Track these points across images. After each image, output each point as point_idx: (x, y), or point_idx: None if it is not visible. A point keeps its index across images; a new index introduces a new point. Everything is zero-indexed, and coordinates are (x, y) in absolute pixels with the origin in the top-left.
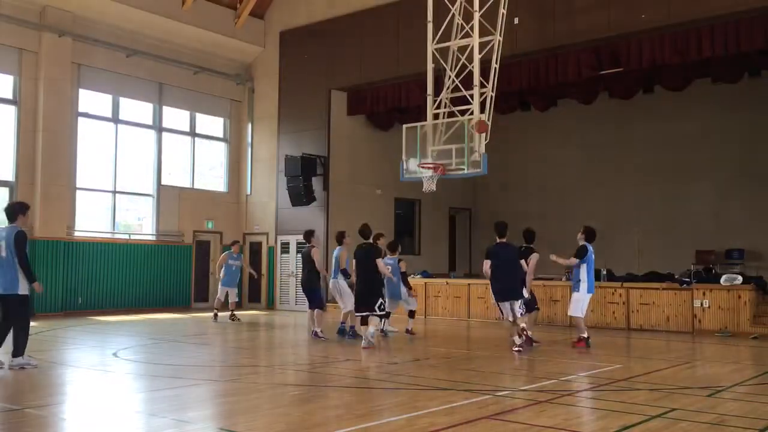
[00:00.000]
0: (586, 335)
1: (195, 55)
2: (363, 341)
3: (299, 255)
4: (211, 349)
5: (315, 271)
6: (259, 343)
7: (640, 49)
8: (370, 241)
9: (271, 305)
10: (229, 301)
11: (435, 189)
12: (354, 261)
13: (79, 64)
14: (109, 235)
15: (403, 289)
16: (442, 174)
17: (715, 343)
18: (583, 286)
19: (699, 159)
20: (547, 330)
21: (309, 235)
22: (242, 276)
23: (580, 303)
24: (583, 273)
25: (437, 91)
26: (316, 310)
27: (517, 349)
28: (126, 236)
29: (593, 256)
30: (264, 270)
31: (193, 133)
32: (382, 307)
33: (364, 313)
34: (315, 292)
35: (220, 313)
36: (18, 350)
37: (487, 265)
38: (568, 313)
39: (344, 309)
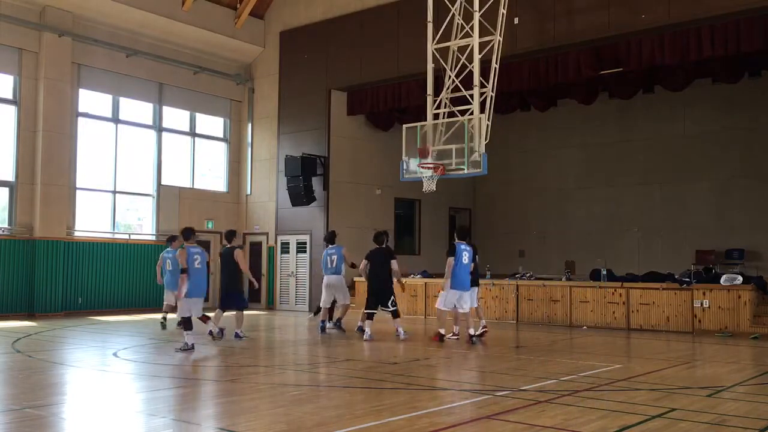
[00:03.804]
0: (443, 331)
1: (195, 55)
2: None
3: (298, 255)
4: (211, 349)
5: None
6: (259, 343)
7: (640, 49)
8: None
9: (271, 305)
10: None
11: (435, 189)
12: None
13: (79, 64)
14: (109, 235)
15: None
16: (442, 174)
17: (715, 343)
18: (447, 282)
19: (699, 159)
20: (548, 330)
21: (332, 237)
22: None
23: (442, 297)
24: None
25: (437, 91)
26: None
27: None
28: (126, 236)
29: (464, 253)
30: (264, 270)
31: (193, 133)
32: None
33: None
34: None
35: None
36: None
37: (451, 261)
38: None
39: (345, 302)
